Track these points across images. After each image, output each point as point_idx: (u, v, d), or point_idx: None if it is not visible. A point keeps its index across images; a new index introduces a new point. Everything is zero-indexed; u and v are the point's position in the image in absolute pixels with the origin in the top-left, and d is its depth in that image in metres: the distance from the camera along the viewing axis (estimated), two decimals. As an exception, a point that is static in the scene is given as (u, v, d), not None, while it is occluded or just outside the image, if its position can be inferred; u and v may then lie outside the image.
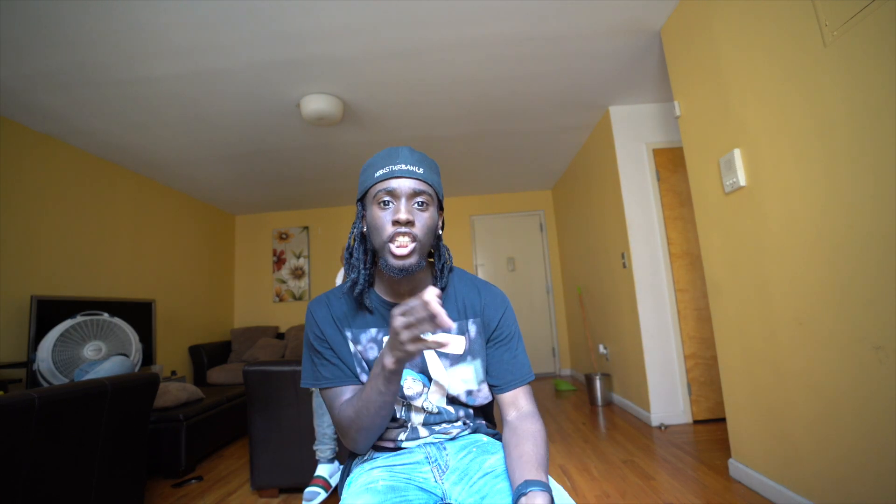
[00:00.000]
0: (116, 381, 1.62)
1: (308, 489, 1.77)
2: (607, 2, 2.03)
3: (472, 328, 0.87)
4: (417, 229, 0.76)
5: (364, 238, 0.84)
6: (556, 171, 4.60)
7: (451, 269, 0.90)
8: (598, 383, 3.47)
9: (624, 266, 3.12)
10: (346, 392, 0.82)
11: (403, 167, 0.77)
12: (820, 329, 1.42)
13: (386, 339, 0.84)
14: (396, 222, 0.75)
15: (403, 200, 0.76)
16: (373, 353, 0.84)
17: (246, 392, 2.07)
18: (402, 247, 0.75)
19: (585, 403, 3.58)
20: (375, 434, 0.80)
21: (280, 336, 4.84)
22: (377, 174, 0.78)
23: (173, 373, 3.78)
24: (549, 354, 5.06)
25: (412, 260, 0.76)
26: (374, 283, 0.88)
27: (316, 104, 2.65)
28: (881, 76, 1.15)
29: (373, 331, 0.85)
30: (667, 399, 2.83)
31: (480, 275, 5.22)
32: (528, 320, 5.12)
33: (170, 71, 2.33)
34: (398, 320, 0.65)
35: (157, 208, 3.99)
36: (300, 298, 5.22)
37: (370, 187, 0.79)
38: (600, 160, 3.44)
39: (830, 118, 1.31)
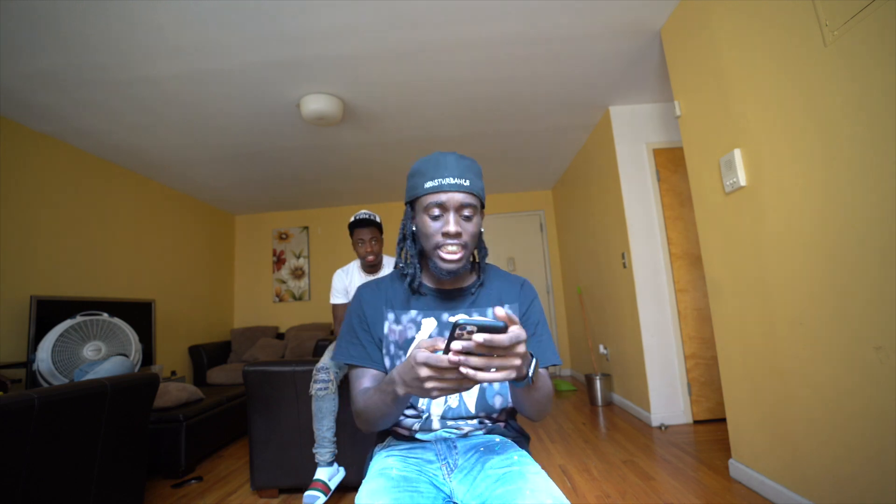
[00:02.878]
0: (116, 381, 1.62)
1: (307, 493, 1.76)
2: (607, 2, 2.03)
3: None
4: (465, 237, 0.84)
5: (414, 237, 0.91)
6: (556, 171, 4.60)
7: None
8: (598, 383, 3.47)
9: (624, 266, 3.12)
10: (368, 374, 0.88)
11: (452, 180, 0.82)
12: (820, 329, 1.42)
13: (425, 320, 0.90)
14: (446, 234, 0.82)
15: (452, 213, 0.83)
16: (411, 333, 0.89)
17: (246, 392, 2.07)
18: (451, 254, 0.83)
19: (585, 403, 3.57)
20: (381, 427, 0.84)
21: (280, 336, 4.84)
22: (427, 185, 0.83)
23: (173, 373, 3.78)
24: (549, 354, 5.06)
25: (460, 264, 0.84)
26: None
27: (316, 104, 2.65)
28: (881, 76, 1.15)
29: (413, 312, 0.91)
30: (667, 399, 2.83)
31: (480, 275, 5.22)
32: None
33: (170, 71, 2.33)
34: (423, 371, 0.61)
35: (157, 208, 3.99)
36: (300, 298, 5.22)
37: (420, 196, 0.85)
38: (600, 160, 3.44)
39: (830, 118, 1.31)
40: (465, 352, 0.59)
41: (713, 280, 2.01)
